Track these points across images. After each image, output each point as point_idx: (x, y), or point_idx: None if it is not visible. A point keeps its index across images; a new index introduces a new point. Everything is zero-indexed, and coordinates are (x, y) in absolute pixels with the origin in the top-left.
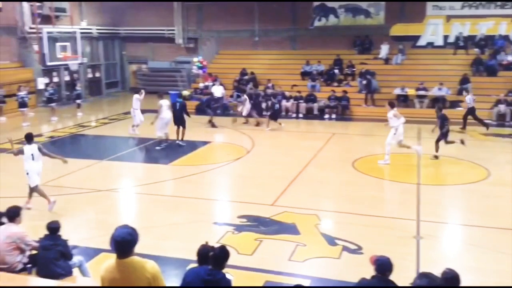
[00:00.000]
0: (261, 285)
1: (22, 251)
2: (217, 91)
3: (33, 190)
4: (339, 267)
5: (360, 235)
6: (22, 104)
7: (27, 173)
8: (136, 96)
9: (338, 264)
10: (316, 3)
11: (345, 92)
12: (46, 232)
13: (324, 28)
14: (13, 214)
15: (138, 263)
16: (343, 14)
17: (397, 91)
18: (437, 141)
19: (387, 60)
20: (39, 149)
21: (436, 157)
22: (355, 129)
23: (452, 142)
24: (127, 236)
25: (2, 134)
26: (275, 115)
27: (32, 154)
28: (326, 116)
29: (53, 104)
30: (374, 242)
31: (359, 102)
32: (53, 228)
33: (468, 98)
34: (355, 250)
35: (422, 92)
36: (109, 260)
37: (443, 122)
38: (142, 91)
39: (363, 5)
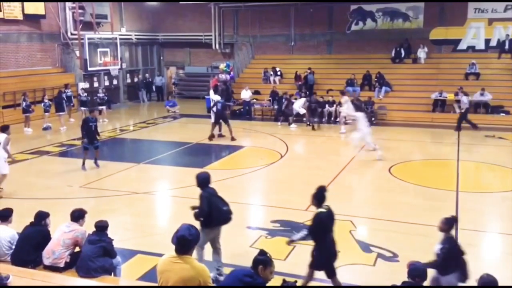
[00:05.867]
0: None
1: (75, 247)
2: (245, 95)
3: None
4: (373, 274)
5: (396, 243)
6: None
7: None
8: None
9: (372, 271)
10: (353, 7)
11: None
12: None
13: (361, 32)
14: (78, 215)
15: (193, 262)
16: (380, 18)
17: (435, 95)
18: None
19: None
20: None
21: None
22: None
23: None
24: (188, 236)
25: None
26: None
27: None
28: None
29: (84, 108)
30: (411, 249)
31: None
32: (101, 226)
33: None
34: (391, 258)
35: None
36: (168, 253)
37: None
38: None
39: (402, 8)
